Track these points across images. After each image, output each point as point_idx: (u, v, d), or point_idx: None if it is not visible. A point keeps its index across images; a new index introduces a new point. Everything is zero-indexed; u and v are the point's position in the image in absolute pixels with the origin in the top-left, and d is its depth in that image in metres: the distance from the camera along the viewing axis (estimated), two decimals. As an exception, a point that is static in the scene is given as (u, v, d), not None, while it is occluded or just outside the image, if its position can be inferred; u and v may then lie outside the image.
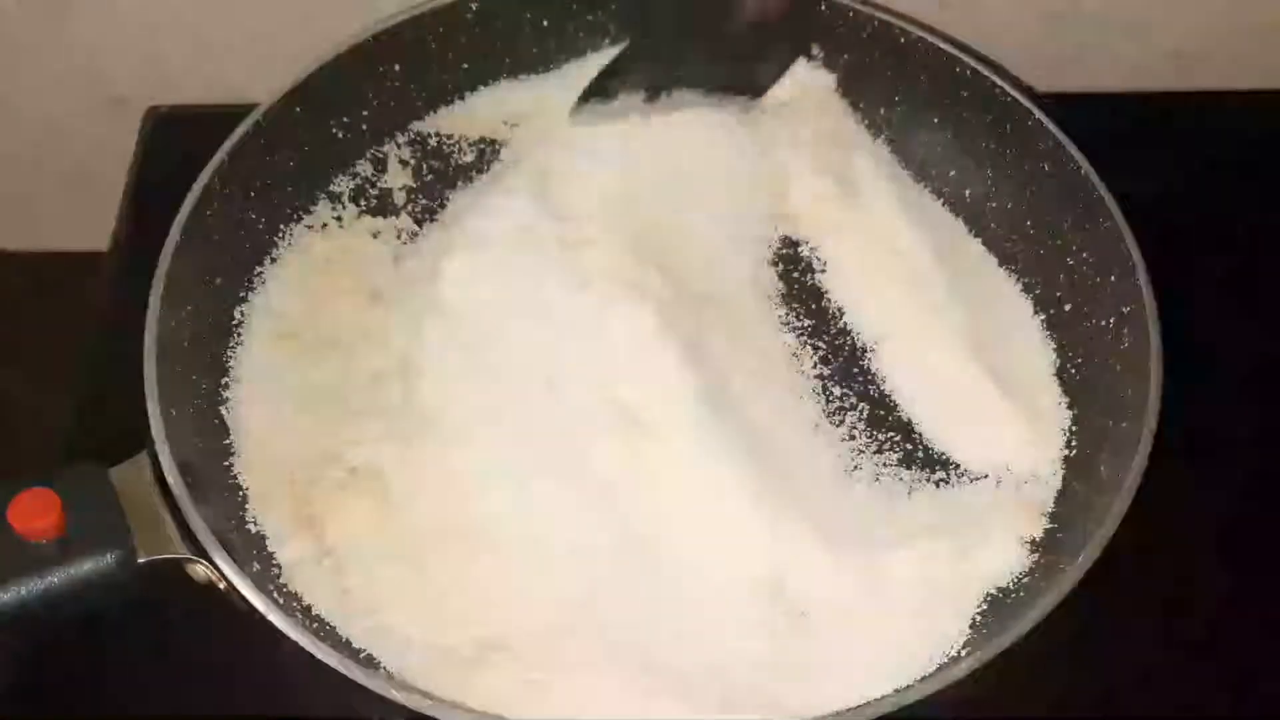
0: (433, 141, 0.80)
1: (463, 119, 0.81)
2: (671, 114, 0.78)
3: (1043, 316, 0.75)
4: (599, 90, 0.76)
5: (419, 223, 0.77)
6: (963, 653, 0.63)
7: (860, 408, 0.72)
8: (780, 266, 0.77)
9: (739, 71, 0.79)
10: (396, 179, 0.79)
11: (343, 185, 0.78)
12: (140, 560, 0.58)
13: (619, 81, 0.76)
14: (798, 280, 0.77)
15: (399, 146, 0.80)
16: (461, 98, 0.81)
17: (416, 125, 0.80)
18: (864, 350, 0.74)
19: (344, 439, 0.68)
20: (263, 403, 0.69)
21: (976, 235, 0.79)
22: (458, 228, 0.74)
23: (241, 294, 0.72)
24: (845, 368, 0.74)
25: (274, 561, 0.64)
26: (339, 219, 0.76)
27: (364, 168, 0.78)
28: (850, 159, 0.80)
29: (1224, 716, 0.68)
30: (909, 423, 0.72)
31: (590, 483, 0.66)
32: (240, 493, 0.66)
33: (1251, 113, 0.90)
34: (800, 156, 0.79)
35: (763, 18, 0.77)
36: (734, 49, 0.78)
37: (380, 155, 0.79)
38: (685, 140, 0.78)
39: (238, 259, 0.73)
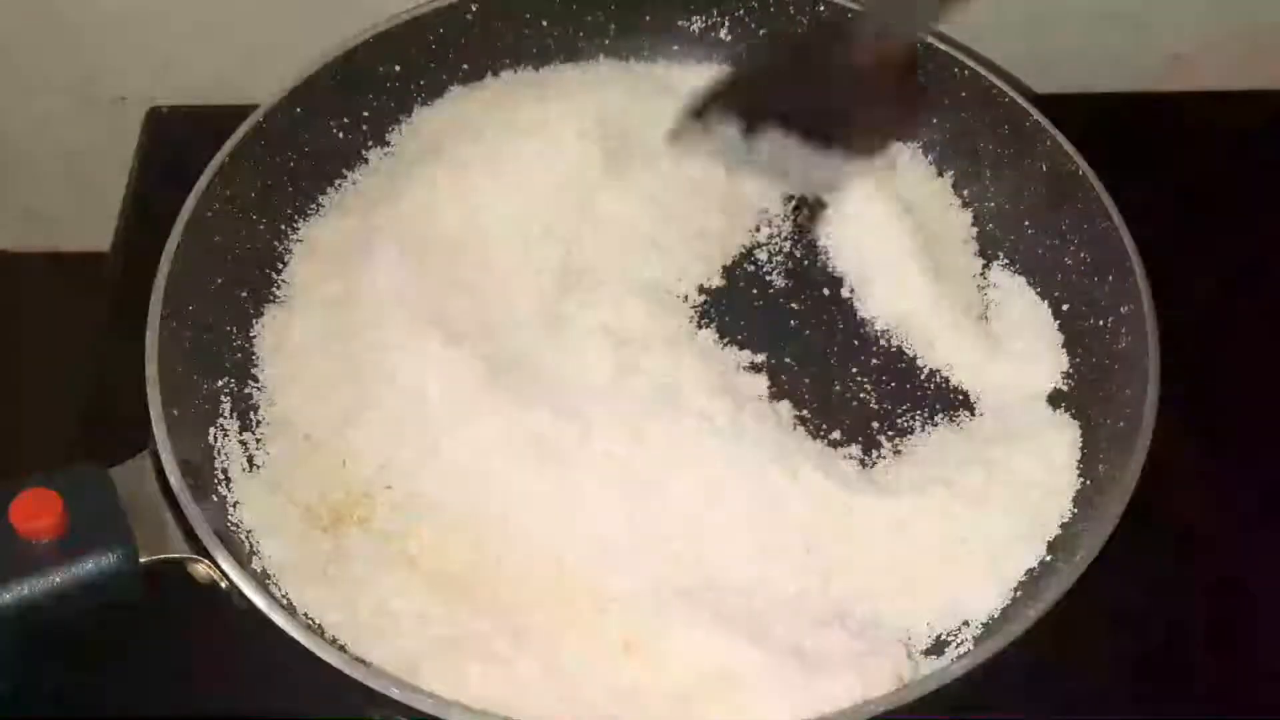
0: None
1: (461, 119, 0.81)
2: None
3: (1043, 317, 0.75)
4: (696, 113, 0.71)
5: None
6: (962, 652, 0.63)
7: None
8: (786, 265, 0.78)
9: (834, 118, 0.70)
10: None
11: (343, 185, 0.78)
12: (142, 560, 0.58)
13: (719, 107, 0.70)
14: (800, 276, 0.77)
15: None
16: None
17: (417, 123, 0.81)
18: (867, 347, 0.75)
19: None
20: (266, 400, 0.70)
21: (977, 235, 0.79)
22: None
23: (243, 293, 0.72)
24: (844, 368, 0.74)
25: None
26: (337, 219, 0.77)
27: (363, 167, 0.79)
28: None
29: (1226, 714, 0.69)
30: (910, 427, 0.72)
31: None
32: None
33: (1250, 113, 0.91)
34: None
35: (874, 64, 0.68)
36: (833, 97, 0.69)
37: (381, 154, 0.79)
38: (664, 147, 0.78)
39: (239, 259, 0.73)
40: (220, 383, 0.69)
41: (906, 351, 0.75)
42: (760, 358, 0.73)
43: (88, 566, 0.57)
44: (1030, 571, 0.65)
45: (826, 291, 0.77)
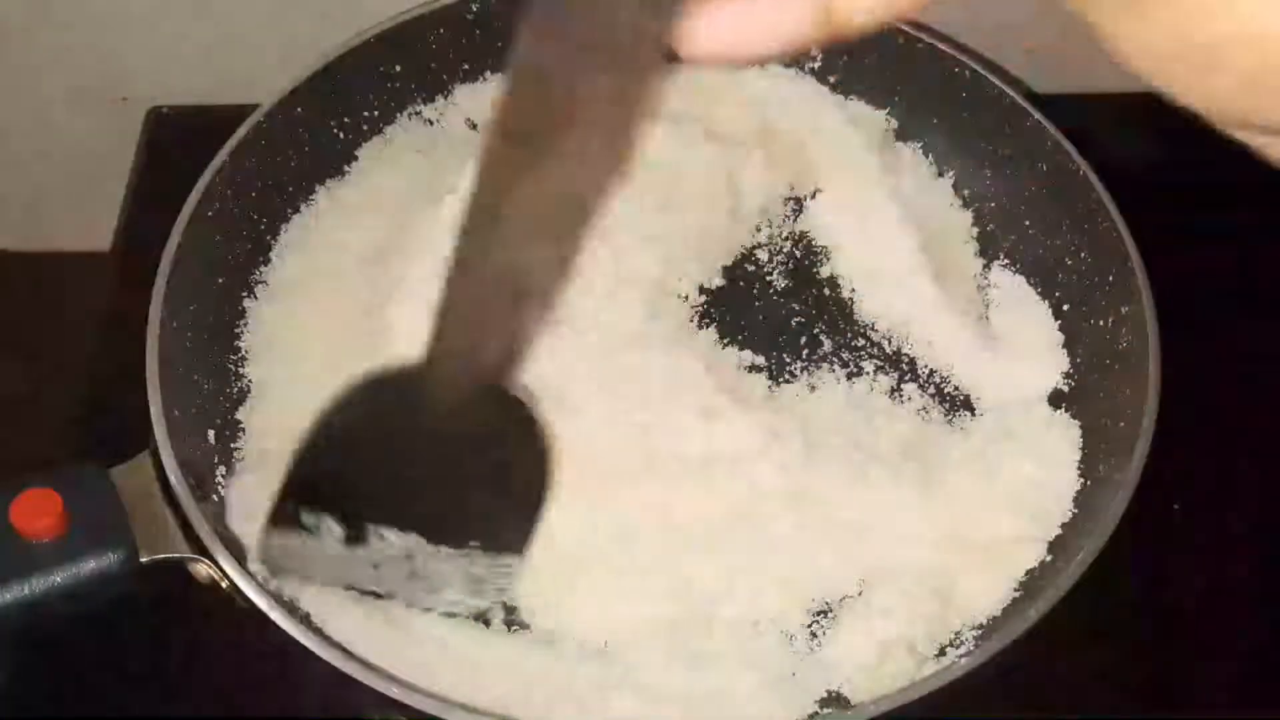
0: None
1: (463, 118, 0.81)
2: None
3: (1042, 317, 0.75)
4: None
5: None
6: (962, 652, 0.63)
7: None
8: (786, 265, 0.78)
9: None
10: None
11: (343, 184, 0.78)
12: (142, 560, 0.58)
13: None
14: (800, 276, 0.77)
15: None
16: (460, 97, 0.81)
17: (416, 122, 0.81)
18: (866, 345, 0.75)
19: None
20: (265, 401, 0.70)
21: (977, 235, 0.79)
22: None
23: (243, 294, 0.72)
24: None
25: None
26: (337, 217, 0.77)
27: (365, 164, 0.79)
28: (850, 158, 0.80)
29: (1228, 714, 0.69)
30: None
31: None
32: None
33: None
34: (803, 156, 0.80)
35: None
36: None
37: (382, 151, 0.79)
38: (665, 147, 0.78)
39: (240, 259, 0.73)
40: (221, 382, 0.69)
41: (906, 351, 0.74)
42: (760, 358, 0.73)
43: (88, 566, 0.57)
44: (1030, 571, 0.65)
45: (826, 291, 0.77)
